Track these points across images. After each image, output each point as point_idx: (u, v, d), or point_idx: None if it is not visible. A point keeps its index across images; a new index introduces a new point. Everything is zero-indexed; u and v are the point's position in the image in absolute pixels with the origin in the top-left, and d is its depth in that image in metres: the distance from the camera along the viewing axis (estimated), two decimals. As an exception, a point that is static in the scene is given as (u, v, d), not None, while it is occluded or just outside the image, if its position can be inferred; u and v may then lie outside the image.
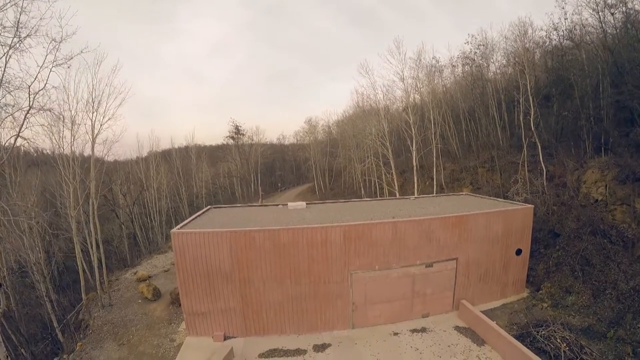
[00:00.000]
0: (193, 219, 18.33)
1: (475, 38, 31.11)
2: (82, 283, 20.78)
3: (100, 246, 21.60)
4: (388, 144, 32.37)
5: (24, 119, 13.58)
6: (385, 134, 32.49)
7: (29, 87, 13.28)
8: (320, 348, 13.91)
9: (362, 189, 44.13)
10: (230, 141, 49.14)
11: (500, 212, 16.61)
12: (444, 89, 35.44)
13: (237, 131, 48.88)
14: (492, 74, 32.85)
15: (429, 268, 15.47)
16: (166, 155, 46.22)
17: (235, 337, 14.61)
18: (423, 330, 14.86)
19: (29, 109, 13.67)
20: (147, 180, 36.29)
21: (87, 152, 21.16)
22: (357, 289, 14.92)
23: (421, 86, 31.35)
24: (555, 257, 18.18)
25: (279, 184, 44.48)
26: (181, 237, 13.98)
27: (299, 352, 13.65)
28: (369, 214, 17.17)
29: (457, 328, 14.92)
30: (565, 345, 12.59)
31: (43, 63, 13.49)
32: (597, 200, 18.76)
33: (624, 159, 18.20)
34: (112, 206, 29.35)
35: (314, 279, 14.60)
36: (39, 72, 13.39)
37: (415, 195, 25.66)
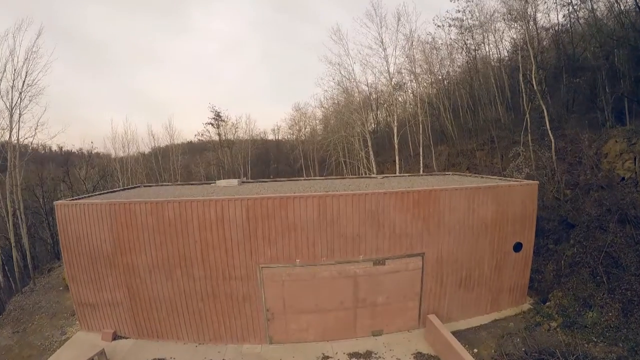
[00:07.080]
0: (106, 193, 14.18)
1: None
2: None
3: (23, 228, 17.62)
4: (368, 137, 27.13)
5: None
6: (367, 131, 27.26)
7: None
8: (216, 366, 8.89)
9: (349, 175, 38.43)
10: (210, 128, 43.91)
11: (489, 188, 10.78)
12: (440, 65, 28.94)
13: (218, 117, 43.48)
14: (492, 47, 26.55)
15: (380, 266, 9.93)
16: (149, 155, 41.31)
17: (127, 338, 10.59)
18: (367, 355, 9.41)
19: None
20: (121, 166, 31.73)
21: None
22: (271, 290, 9.65)
23: (405, 50, 25.05)
24: (570, 255, 12.16)
25: (271, 176, 39.69)
26: (64, 209, 10.58)
27: (188, 366, 8.84)
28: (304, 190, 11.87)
29: (419, 355, 9.35)
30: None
31: None
32: (623, 178, 12.69)
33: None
34: (70, 192, 24.98)
35: (211, 271, 9.65)
36: None
37: (384, 175, 19.51)
